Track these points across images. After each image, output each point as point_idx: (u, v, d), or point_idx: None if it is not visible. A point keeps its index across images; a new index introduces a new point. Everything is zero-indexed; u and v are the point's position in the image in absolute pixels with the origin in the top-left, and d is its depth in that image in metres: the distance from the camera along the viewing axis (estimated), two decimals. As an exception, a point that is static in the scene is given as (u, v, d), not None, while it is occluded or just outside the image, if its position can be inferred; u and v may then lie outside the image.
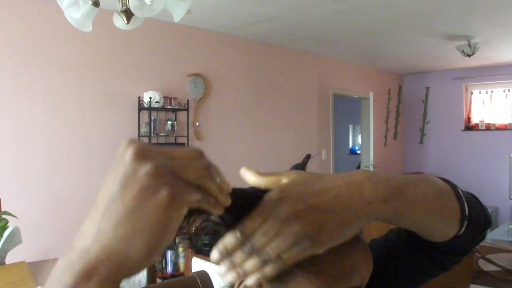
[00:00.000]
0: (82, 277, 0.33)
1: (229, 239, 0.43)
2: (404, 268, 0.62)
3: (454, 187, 0.57)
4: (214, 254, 0.44)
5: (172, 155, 0.35)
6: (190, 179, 0.34)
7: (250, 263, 0.43)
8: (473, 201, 0.57)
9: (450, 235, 0.54)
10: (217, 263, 0.44)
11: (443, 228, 0.54)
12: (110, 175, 0.35)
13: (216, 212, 0.39)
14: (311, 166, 0.56)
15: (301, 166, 0.54)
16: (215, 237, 0.49)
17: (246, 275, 0.43)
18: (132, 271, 0.35)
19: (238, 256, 0.43)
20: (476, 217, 0.56)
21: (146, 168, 0.33)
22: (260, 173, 0.47)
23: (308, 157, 0.55)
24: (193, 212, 0.44)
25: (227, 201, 0.38)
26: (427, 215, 0.51)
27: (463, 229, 0.54)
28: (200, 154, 0.36)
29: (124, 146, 0.35)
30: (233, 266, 0.43)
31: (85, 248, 0.34)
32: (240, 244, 0.43)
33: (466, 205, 0.54)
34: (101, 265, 0.33)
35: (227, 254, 0.43)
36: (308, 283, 0.48)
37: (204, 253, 0.51)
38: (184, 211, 0.35)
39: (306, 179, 0.45)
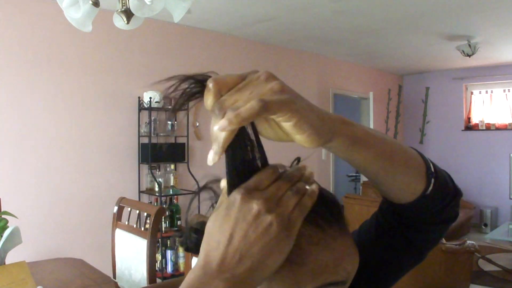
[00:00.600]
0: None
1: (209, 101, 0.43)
2: (378, 253, 0.61)
3: (412, 147, 0.56)
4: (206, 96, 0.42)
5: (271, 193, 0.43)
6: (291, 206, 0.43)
7: (244, 106, 0.39)
8: (441, 169, 0.56)
9: (416, 191, 0.52)
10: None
11: (406, 178, 0.52)
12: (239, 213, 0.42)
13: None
14: (311, 167, 0.56)
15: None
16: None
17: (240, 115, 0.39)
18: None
19: (215, 123, 0.41)
20: (443, 179, 0.55)
21: (253, 206, 0.42)
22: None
23: (298, 160, 0.54)
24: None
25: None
26: (388, 155, 0.50)
27: (430, 186, 0.53)
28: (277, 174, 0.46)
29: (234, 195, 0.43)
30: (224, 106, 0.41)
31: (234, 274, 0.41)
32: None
33: (431, 164, 0.54)
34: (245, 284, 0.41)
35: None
36: (290, 274, 0.47)
37: (194, 247, 0.53)
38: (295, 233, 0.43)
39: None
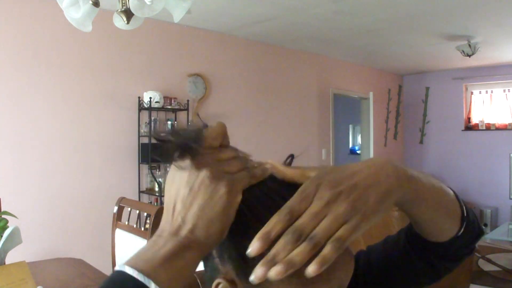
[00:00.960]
0: (179, 248, 0.43)
1: (274, 221, 0.41)
2: (399, 272, 0.64)
3: (450, 188, 0.59)
4: (254, 243, 0.41)
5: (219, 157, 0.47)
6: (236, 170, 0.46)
7: (300, 249, 0.40)
8: (468, 207, 0.60)
9: (451, 233, 0.57)
10: (255, 253, 0.40)
11: (446, 224, 0.56)
12: (179, 182, 0.46)
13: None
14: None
15: None
16: None
17: (296, 266, 0.39)
18: (213, 247, 0.46)
19: (285, 245, 0.40)
20: (473, 221, 0.59)
21: (206, 174, 0.44)
22: (286, 167, 0.50)
23: (292, 156, 0.56)
24: None
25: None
26: (437, 205, 0.54)
27: (462, 230, 0.56)
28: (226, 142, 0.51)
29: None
30: (278, 260, 0.40)
31: (180, 232, 0.44)
32: (286, 228, 0.41)
33: (464, 207, 0.58)
34: (193, 243, 0.43)
35: (269, 241, 0.41)
36: (281, 284, 0.46)
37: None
38: (240, 198, 0.45)
39: (333, 168, 0.47)
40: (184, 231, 0.44)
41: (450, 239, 0.57)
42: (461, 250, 0.61)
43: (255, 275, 0.40)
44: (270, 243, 0.41)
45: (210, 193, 0.44)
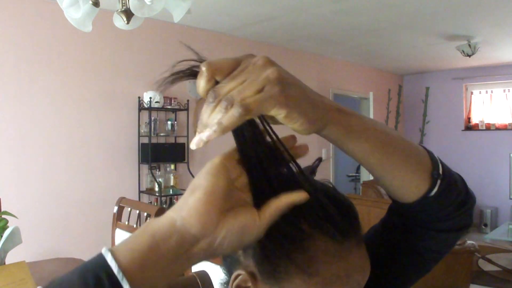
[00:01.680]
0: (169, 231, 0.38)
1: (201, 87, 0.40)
2: (383, 254, 0.59)
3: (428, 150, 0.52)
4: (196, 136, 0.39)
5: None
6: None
7: (215, 112, 0.38)
8: (452, 171, 0.52)
9: (418, 191, 0.48)
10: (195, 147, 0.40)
11: (409, 178, 0.48)
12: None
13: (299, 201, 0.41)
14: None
15: (311, 170, 0.53)
16: None
17: (212, 128, 0.38)
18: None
19: (205, 108, 0.39)
20: (453, 182, 0.50)
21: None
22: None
23: (319, 160, 0.54)
24: None
25: None
26: (387, 147, 0.47)
27: (435, 188, 0.48)
28: None
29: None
30: (202, 123, 0.39)
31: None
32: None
33: (440, 165, 0.50)
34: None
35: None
36: (302, 283, 0.48)
37: None
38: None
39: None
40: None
41: (420, 198, 0.49)
42: (445, 220, 0.52)
43: (192, 144, 0.39)
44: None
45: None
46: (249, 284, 0.50)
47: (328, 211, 0.46)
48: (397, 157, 0.47)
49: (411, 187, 0.49)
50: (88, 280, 0.35)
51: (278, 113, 0.39)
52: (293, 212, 0.42)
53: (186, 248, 0.38)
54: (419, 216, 0.53)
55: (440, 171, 0.49)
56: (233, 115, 0.37)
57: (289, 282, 0.48)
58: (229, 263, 0.54)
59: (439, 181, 0.49)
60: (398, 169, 0.48)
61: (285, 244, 0.47)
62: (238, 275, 0.51)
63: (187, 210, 0.38)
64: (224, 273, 0.56)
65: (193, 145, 0.39)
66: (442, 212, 0.51)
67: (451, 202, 0.50)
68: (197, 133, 0.39)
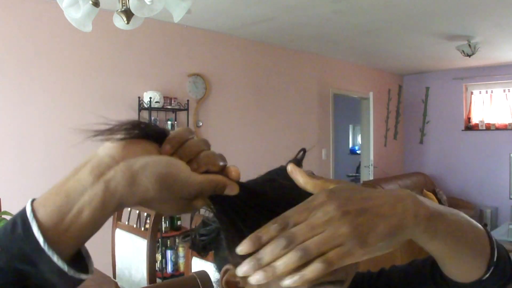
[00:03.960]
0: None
1: (270, 225, 0.40)
2: None
3: (486, 229, 0.55)
4: (244, 243, 0.39)
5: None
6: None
7: (286, 258, 0.38)
8: (503, 251, 0.55)
9: (473, 277, 0.53)
10: (244, 253, 0.40)
11: (470, 266, 0.52)
12: None
13: (229, 191, 0.43)
14: (311, 166, 0.56)
15: (297, 162, 0.52)
16: (213, 232, 0.54)
17: (278, 273, 0.38)
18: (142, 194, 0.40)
19: (273, 249, 0.39)
20: (503, 266, 0.54)
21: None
22: (309, 176, 0.46)
23: (303, 151, 0.54)
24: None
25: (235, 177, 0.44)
26: (460, 245, 0.49)
27: (487, 275, 0.52)
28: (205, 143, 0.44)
29: None
30: (262, 262, 0.39)
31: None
32: (278, 235, 0.39)
33: (496, 250, 0.53)
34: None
35: (259, 245, 0.39)
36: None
37: (201, 249, 0.56)
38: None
39: (354, 186, 0.45)
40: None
41: (474, 281, 0.53)
42: None
43: (241, 270, 0.39)
44: (260, 246, 0.39)
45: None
46: (238, 278, 0.51)
47: None
48: (468, 247, 0.50)
49: (467, 273, 0.53)
50: (8, 226, 0.37)
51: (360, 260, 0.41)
52: (275, 206, 0.44)
53: (101, 171, 0.40)
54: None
55: (495, 258, 0.53)
56: (316, 269, 0.38)
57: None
58: (218, 261, 0.56)
59: (492, 268, 0.52)
60: (463, 258, 0.51)
61: None
62: (227, 270, 0.52)
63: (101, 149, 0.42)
64: (216, 271, 0.57)
65: (255, 281, 0.39)
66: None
67: (497, 282, 0.54)
68: (252, 264, 0.39)
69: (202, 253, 0.58)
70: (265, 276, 0.38)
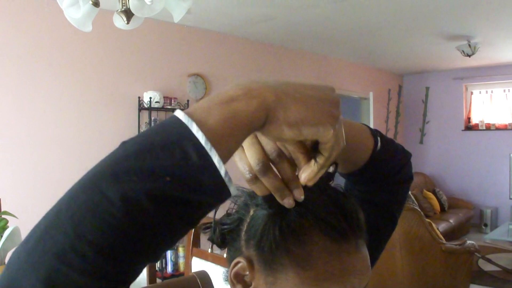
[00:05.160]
0: (247, 95, 0.39)
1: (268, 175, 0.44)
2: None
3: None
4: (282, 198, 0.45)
5: None
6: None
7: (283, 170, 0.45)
8: (388, 137, 0.65)
9: (368, 149, 0.60)
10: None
11: (360, 141, 0.59)
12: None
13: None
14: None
15: (329, 175, 0.54)
16: (235, 222, 0.56)
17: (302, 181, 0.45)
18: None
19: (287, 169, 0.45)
20: (389, 139, 0.63)
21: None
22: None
23: (336, 165, 0.55)
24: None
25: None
26: (348, 126, 0.56)
27: (379, 143, 0.60)
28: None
29: None
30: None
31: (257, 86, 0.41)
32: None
33: (368, 126, 0.63)
34: (266, 97, 0.39)
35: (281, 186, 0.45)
36: (295, 276, 0.49)
37: (220, 240, 0.57)
38: None
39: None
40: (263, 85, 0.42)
41: (371, 155, 0.60)
42: (396, 174, 0.64)
43: (289, 201, 0.45)
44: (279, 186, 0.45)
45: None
46: (247, 272, 0.52)
47: (329, 212, 0.49)
48: (354, 131, 0.59)
49: (363, 147, 0.60)
50: (175, 153, 0.34)
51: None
52: (299, 207, 0.47)
53: (265, 109, 0.38)
54: (375, 173, 0.63)
55: (374, 132, 0.62)
56: (315, 174, 0.45)
57: (283, 273, 0.49)
58: (232, 252, 0.56)
59: (379, 138, 0.61)
60: (355, 137, 0.58)
61: (285, 235, 0.49)
62: (238, 262, 0.53)
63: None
64: (228, 262, 0.58)
65: (290, 204, 0.46)
66: (390, 167, 0.63)
67: (394, 155, 0.63)
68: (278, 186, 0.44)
69: (220, 246, 0.59)
70: (298, 192, 0.45)
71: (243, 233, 0.54)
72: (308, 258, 0.49)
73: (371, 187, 0.64)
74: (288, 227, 0.49)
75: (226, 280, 0.56)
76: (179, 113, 0.36)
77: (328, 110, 0.42)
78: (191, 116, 0.36)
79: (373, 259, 0.62)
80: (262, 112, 0.38)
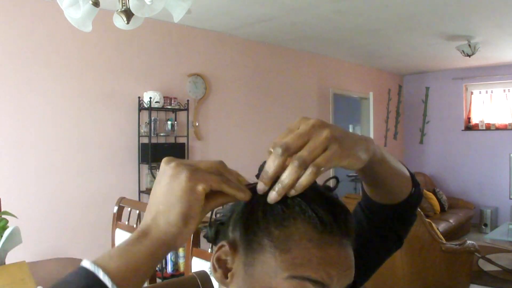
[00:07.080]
0: (139, 235, 0.45)
1: (270, 161, 0.48)
2: (370, 244, 0.71)
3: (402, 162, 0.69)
4: (259, 185, 0.48)
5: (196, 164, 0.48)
6: (205, 168, 0.47)
7: (288, 170, 0.46)
8: (416, 178, 0.71)
9: (407, 191, 0.66)
10: (262, 192, 0.49)
11: (403, 183, 0.65)
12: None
13: (239, 196, 0.48)
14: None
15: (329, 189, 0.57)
16: (228, 212, 0.57)
17: (285, 185, 0.47)
18: (176, 238, 0.45)
19: (273, 159, 0.47)
20: (417, 181, 0.70)
21: (171, 164, 0.47)
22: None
23: (336, 180, 0.57)
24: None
25: (244, 185, 0.50)
26: (397, 169, 0.63)
27: (414, 188, 0.67)
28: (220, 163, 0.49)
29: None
30: (269, 175, 0.48)
31: (144, 222, 0.46)
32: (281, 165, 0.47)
33: (413, 175, 0.69)
34: (152, 229, 0.45)
35: (270, 178, 0.48)
36: (271, 257, 0.50)
37: (213, 235, 0.59)
38: (202, 188, 0.45)
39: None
40: (147, 220, 0.46)
41: (407, 197, 0.66)
42: (414, 206, 0.70)
43: (270, 198, 0.49)
44: (270, 179, 0.48)
45: (171, 178, 0.45)
46: (228, 256, 0.53)
47: (317, 203, 0.51)
48: (398, 170, 0.64)
49: (403, 187, 0.66)
50: None
51: (341, 165, 0.48)
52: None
53: (166, 250, 0.45)
54: (403, 210, 0.69)
55: (415, 179, 0.69)
56: (310, 174, 0.46)
57: (261, 253, 0.50)
58: (220, 237, 0.58)
59: (414, 188, 0.68)
60: (400, 179, 0.65)
61: (268, 217, 0.51)
62: (222, 246, 0.54)
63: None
64: (215, 246, 0.59)
65: (271, 200, 0.49)
66: (412, 211, 0.71)
67: (419, 195, 0.70)
68: (261, 183, 0.49)
69: (213, 241, 0.59)
70: (277, 193, 0.47)
71: (232, 221, 0.55)
72: (287, 241, 0.49)
73: (395, 219, 0.71)
74: (272, 210, 0.50)
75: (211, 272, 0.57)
76: (85, 263, 0.43)
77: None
78: (95, 263, 0.42)
79: (369, 268, 0.72)
80: (163, 247, 0.45)
